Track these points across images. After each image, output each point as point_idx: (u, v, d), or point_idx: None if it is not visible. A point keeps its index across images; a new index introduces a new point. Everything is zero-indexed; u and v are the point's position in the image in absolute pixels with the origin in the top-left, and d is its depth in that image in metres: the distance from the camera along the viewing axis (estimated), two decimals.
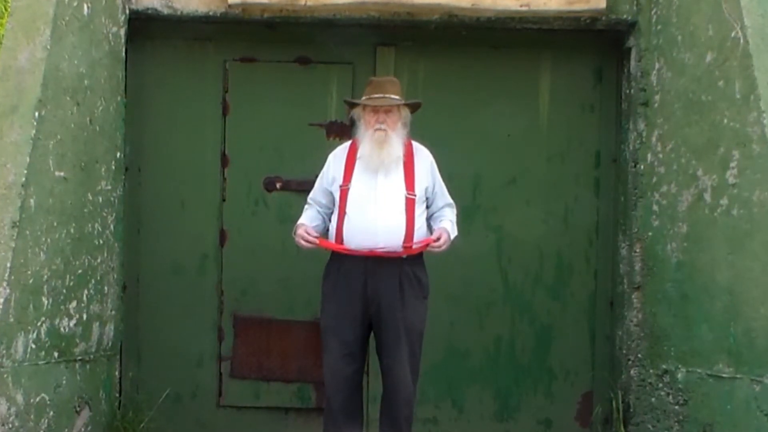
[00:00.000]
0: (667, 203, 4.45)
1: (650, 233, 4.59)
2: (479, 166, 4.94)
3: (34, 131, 3.78)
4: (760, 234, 3.79)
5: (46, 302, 3.86)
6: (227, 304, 4.91)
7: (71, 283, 4.08)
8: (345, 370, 4.05)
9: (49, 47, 3.90)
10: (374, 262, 3.99)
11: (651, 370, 4.54)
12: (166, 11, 4.72)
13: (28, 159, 3.73)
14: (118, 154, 4.64)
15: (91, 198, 4.28)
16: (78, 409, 4.17)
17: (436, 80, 4.93)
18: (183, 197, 4.92)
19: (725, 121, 4.02)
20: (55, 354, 3.95)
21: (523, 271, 4.96)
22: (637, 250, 4.69)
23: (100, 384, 4.44)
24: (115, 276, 4.62)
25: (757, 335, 3.78)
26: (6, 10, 4.43)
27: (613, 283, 4.93)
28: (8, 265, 3.58)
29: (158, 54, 4.93)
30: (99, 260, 4.38)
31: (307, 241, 4.05)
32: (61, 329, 4.01)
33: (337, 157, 4.21)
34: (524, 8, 4.64)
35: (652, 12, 4.63)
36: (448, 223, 4.14)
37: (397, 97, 4.09)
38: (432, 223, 4.18)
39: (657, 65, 4.58)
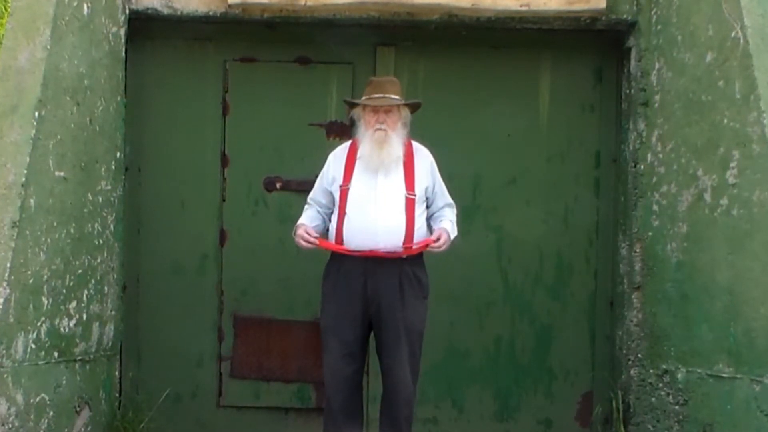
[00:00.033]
0: (667, 203, 4.45)
1: (650, 233, 4.59)
2: (479, 166, 4.94)
3: (34, 131, 3.78)
4: (760, 234, 3.79)
5: (46, 302, 3.86)
6: (227, 304, 4.91)
7: (71, 283, 4.08)
8: (345, 370, 4.05)
9: (49, 47, 3.90)
10: (374, 262, 3.99)
11: (651, 370, 4.54)
12: (166, 11, 4.72)
13: (28, 159, 3.73)
14: (118, 154, 4.64)
15: (91, 198, 4.28)
16: (78, 409, 4.17)
17: (436, 80, 4.93)
18: (183, 197, 4.92)
19: (725, 121, 4.02)
20: (55, 354, 3.95)
21: (523, 271, 4.96)
22: (637, 250, 4.69)
23: (100, 384, 4.44)
24: (115, 276, 4.62)
25: (757, 335, 3.78)
26: (6, 10, 4.44)
27: (613, 283, 4.93)
28: (8, 265, 3.58)
29: (158, 54, 4.93)
30: (99, 260, 4.38)
31: (307, 241, 4.05)
32: (61, 329, 4.01)
33: (337, 157, 4.21)
34: (524, 8, 4.64)
35: (652, 12, 4.63)
36: (448, 223, 4.14)
37: (397, 97, 4.09)
38: (432, 223, 4.18)
39: (657, 65, 4.58)
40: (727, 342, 3.95)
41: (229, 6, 4.67)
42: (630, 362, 4.72)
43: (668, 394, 4.38)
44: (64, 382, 4.02)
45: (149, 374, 4.88)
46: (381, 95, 4.07)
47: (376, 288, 4.00)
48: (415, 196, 4.06)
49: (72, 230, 4.08)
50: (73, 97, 4.11)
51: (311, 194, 4.26)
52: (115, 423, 4.58)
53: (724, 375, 3.96)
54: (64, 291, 4.02)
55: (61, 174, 3.99)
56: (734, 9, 3.98)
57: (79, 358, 4.18)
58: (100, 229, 4.38)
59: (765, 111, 3.78)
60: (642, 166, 4.68)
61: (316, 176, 4.26)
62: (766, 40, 3.90)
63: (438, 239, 4.05)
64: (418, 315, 4.08)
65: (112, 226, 4.54)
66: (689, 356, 4.23)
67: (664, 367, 4.43)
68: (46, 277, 3.86)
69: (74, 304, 4.11)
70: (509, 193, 4.95)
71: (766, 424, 3.71)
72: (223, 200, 4.92)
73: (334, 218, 4.11)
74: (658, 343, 4.49)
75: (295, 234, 4.12)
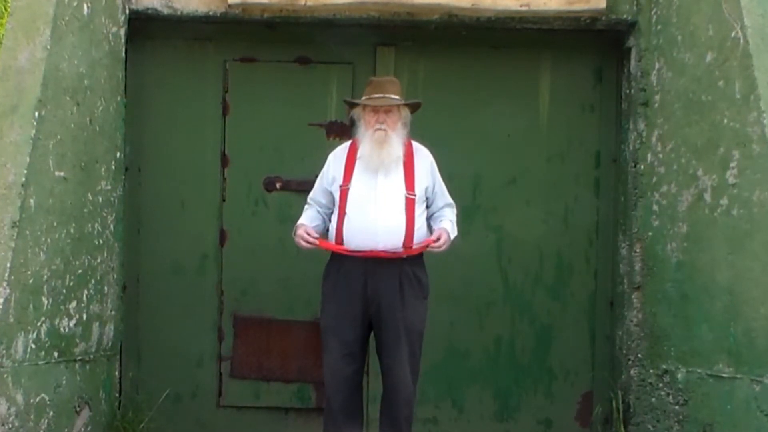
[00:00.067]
0: (667, 203, 4.45)
1: (650, 233, 4.59)
2: (479, 166, 4.94)
3: (34, 131, 3.78)
4: (760, 234, 3.79)
5: (46, 302, 3.86)
6: (227, 304, 4.91)
7: (71, 283, 4.08)
8: (345, 370, 4.05)
9: (49, 47, 3.90)
10: (374, 262, 3.99)
11: (651, 370, 4.54)
12: (166, 11, 4.72)
13: (28, 159, 3.73)
14: (118, 154, 4.64)
15: (91, 198, 4.28)
16: (78, 409, 4.17)
17: (436, 80, 4.93)
18: (183, 197, 4.92)
19: (725, 121, 4.02)
20: (55, 354, 3.95)
21: (523, 271, 4.96)
22: (637, 250, 4.69)
23: (100, 384, 4.44)
24: (115, 276, 4.62)
25: (757, 335, 3.78)
26: (6, 10, 4.43)
27: (613, 283, 4.93)
28: (8, 265, 3.58)
29: (158, 54, 4.93)
30: (99, 260, 4.38)
31: (307, 241, 4.05)
32: (61, 329, 4.01)
33: (337, 157, 4.21)
34: (524, 8, 4.64)
35: (652, 12, 4.63)
36: (448, 223, 4.14)
37: (397, 97, 4.09)
38: (432, 223, 4.18)
39: (657, 65, 4.58)
40: (727, 342, 3.95)
41: (229, 6, 4.67)
42: (630, 362, 4.72)
43: (668, 394, 4.38)
44: (64, 382, 4.02)
45: (149, 374, 4.88)
46: (381, 95, 4.07)
47: (376, 288, 4.00)
48: (415, 196, 4.06)
49: (72, 230, 4.07)
50: (73, 97, 4.11)
51: (311, 194, 4.26)
52: (115, 423, 4.58)
53: (724, 375, 3.96)
54: (64, 291, 4.02)
55: (61, 174, 3.99)
56: (734, 9, 3.98)
57: (79, 358, 4.18)
58: (100, 229, 4.38)
59: (765, 111, 3.78)
60: (642, 166, 4.68)
61: (316, 176, 4.26)
62: (766, 40, 3.90)
63: (438, 239, 4.05)
64: (418, 315, 4.08)
65: (112, 226, 4.54)
66: (689, 356, 4.23)
67: (664, 367, 4.43)
68: (46, 277, 3.86)
69: (74, 304, 4.11)
70: (509, 193, 4.95)
71: (766, 424, 3.71)
72: (223, 200, 4.92)
73: (334, 218, 4.11)
74: (658, 343, 4.49)
75: (295, 234, 4.12)
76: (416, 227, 4.05)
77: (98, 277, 4.37)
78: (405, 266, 4.03)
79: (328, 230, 4.16)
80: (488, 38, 4.88)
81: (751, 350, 3.81)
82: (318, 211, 4.21)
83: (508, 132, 4.96)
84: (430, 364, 4.65)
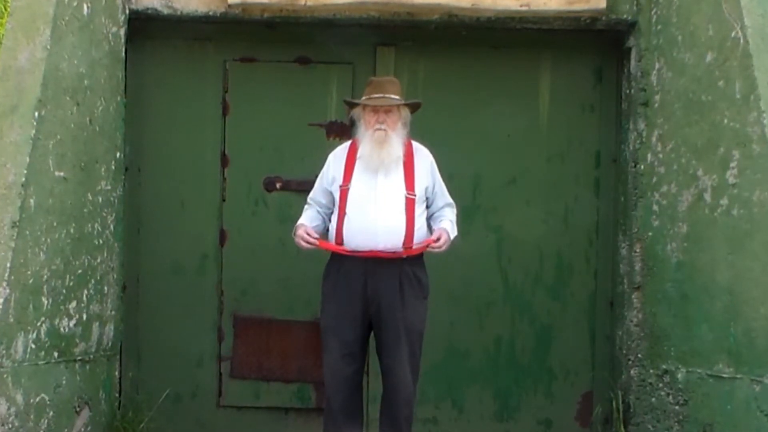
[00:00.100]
0: (667, 203, 4.45)
1: (650, 233, 4.59)
2: (479, 166, 4.93)
3: (34, 131, 3.78)
4: (760, 234, 3.79)
5: (46, 302, 3.86)
6: (227, 304, 4.91)
7: (71, 283, 4.08)
8: (345, 370, 4.05)
9: (49, 47, 3.90)
10: (374, 262, 3.99)
11: (651, 370, 4.54)
12: (166, 11, 4.72)
13: (28, 159, 3.73)
14: (118, 154, 4.64)
15: (91, 198, 4.28)
16: (78, 409, 4.17)
17: (436, 80, 4.93)
18: (183, 197, 4.92)
19: (725, 121, 4.02)
20: (55, 354, 3.95)
21: (523, 271, 4.95)
22: (637, 250, 4.69)
23: (100, 384, 4.44)
24: (115, 276, 4.62)
25: (757, 335, 3.78)
26: (6, 10, 4.43)
27: (613, 283, 4.93)
28: (8, 265, 3.57)
29: (158, 54, 4.93)
30: (99, 260, 4.38)
31: (307, 242, 4.05)
32: (61, 329, 4.00)
33: (337, 157, 4.21)
34: (524, 8, 4.64)
35: (652, 12, 4.63)
36: (447, 223, 4.14)
37: (397, 97, 4.09)
38: (432, 223, 4.18)
39: (657, 65, 4.58)
40: (727, 342, 3.95)
41: (229, 6, 4.67)
42: (630, 362, 4.72)
43: (668, 394, 4.38)
44: (64, 382, 4.02)
45: (149, 374, 4.88)
46: (381, 95, 4.07)
47: (376, 288, 4.00)
48: (415, 196, 4.06)
49: (72, 230, 4.07)
50: (73, 97, 4.11)
51: (311, 194, 4.26)
52: (115, 423, 4.58)
53: (724, 375, 3.96)
54: (64, 291, 4.02)
55: (61, 174, 3.99)
56: (734, 9, 3.98)
57: (79, 358, 4.18)
58: (100, 229, 4.38)
59: (765, 111, 3.78)
60: (642, 166, 4.68)
61: (316, 176, 4.26)
62: (766, 40, 3.90)
63: (438, 239, 4.05)
64: (418, 315, 4.08)
65: (112, 226, 4.54)
66: (689, 356, 4.22)
67: (664, 367, 4.43)
68: (46, 277, 3.86)
69: (74, 304, 4.11)
70: (509, 193, 4.95)
71: (766, 424, 3.71)
72: (223, 200, 4.92)
73: (334, 218, 4.11)
74: (658, 343, 4.49)
75: (295, 234, 4.12)
76: (416, 227, 4.05)
77: (98, 277, 4.37)
78: (405, 266, 4.03)
79: (328, 230, 4.16)
80: (488, 38, 4.88)
81: (751, 350, 3.81)
82: (318, 211, 4.21)
83: (508, 132, 4.96)
84: (430, 364, 4.65)
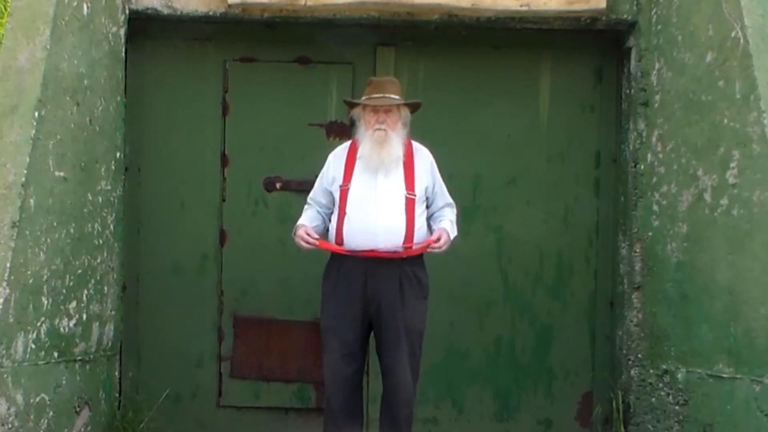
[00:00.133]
0: (667, 203, 4.45)
1: (650, 233, 4.59)
2: (479, 166, 4.93)
3: (34, 131, 3.78)
4: (760, 234, 3.79)
5: (46, 302, 3.86)
6: (227, 304, 4.91)
7: (71, 283, 4.08)
8: (345, 370, 4.05)
9: (48, 47, 3.90)
10: (374, 262, 3.99)
11: (651, 370, 4.54)
12: (166, 11, 4.72)
13: (28, 159, 3.73)
14: (118, 154, 4.64)
15: (91, 198, 4.28)
16: (78, 409, 4.17)
17: (436, 80, 4.93)
18: (183, 197, 4.92)
19: (725, 121, 4.02)
20: (55, 354, 3.95)
21: (523, 271, 4.95)
22: (637, 250, 4.69)
23: (100, 384, 4.44)
24: (115, 276, 4.62)
25: (757, 335, 3.78)
26: (6, 10, 4.43)
27: (613, 283, 4.93)
28: (8, 265, 3.57)
29: (158, 54, 4.93)
30: (99, 260, 4.38)
31: (307, 242, 4.05)
32: (61, 329, 4.00)
33: (337, 157, 4.21)
34: (524, 8, 4.64)
35: (652, 12, 4.63)
36: (447, 223, 4.14)
37: (397, 97, 4.09)
38: (432, 223, 4.18)
39: (657, 65, 4.58)
40: (727, 342, 3.95)
41: (229, 6, 4.67)
42: (630, 362, 4.72)
43: (668, 394, 4.38)
44: (64, 382, 4.02)
45: (149, 374, 4.88)
46: (381, 95, 4.07)
47: (376, 288, 4.00)
48: (415, 196, 4.06)
49: (72, 230, 4.07)
50: (73, 97, 4.11)
51: (311, 194, 4.26)
52: (115, 423, 4.58)
53: (724, 375, 3.96)
54: (64, 291, 4.02)
55: (61, 174, 3.99)
56: (734, 9, 3.98)
57: (79, 358, 4.18)
58: (100, 229, 4.38)
59: (765, 111, 3.78)
60: (642, 166, 4.68)
61: (316, 176, 4.26)
62: (766, 40, 3.90)
63: (438, 239, 4.05)
64: (418, 315, 4.07)
65: (112, 226, 4.54)
66: (689, 356, 4.22)
67: (664, 367, 4.43)
68: (46, 277, 3.86)
69: (74, 304, 4.11)
70: (509, 193, 4.95)
71: (766, 424, 3.71)
72: (223, 200, 4.92)
73: (334, 218, 4.11)
74: (658, 343, 4.49)
75: (295, 234, 4.12)
76: (416, 227, 4.05)
77: (98, 277, 4.37)
78: (405, 266, 4.03)
79: (328, 230, 4.16)
80: (488, 38, 4.88)
81: (751, 350, 3.81)
82: (318, 211, 4.21)
83: (508, 132, 4.96)
84: (430, 364, 4.64)
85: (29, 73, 3.86)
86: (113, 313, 4.58)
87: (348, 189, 4.08)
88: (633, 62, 4.77)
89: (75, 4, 4.13)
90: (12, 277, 3.59)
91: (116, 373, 4.72)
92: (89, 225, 4.26)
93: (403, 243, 4.00)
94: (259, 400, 4.91)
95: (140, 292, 4.91)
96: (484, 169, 4.94)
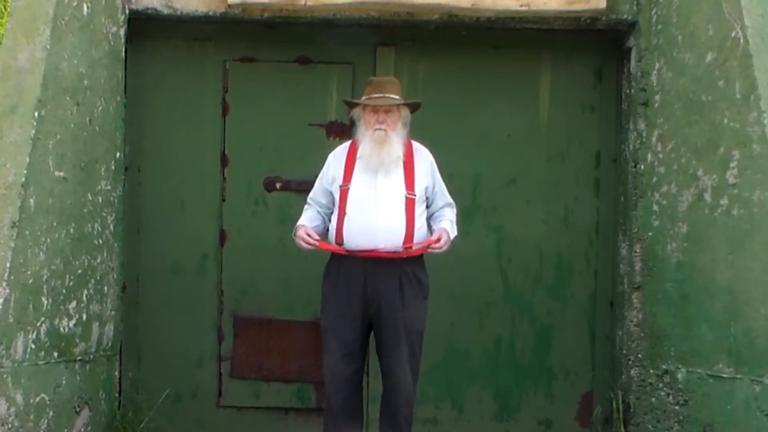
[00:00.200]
0: (667, 203, 4.45)
1: (650, 233, 4.59)
2: (479, 166, 4.93)
3: (33, 131, 3.78)
4: (760, 234, 3.79)
5: (45, 302, 3.86)
6: (227, 304, 4.91)
7: (71, 283, 4.08)
8: (345, 370, 4.05)
9: (48, 47, 3.90)
10: (374, 262, 3.99)
11: (651, 370, 4.54)
12: (165, 11, 4.72)
13: (27, 159, 3.73)
14: (118, 154, 4.64)
15: (90, 198, 4.28)
16: (78, 409, 4.17)
17: (436, 80, 4.93)
18: (183, 197, 4.92)
19: (725, 121, 4.02)
20: (55, 354, 3.95)
21: (523, 271, 4.95)
22: (637, 250, 4.69)
23: (99, 384, 4.44)
24: (115, 276, 4.62)
25: (757, 335, 3.78)
26: (6, 10, 4.43)
27: (613, 283, 4.93)
28: (8, 265, 3.57)
29: (158, 54, 4.93)
30: (99, 260, 4.37)
31: (308, 243, 4.05)
32: (61, 329, 4.00)
33: (337, 157, 4.21)
34: (524, 8, 4.64)
35: (652, 12, 4.63)
36: (447, 223, 4.14)
37: (397, 97, 4.09)
38: (432, 223, 4.18)
39: (657, 65, 4.58)
40: (727, 342, 3.95)
41: (229, 6, 4.67)
42: (630, 362, 4.72)
43: (668, 395, 4.38)
44: (63, 382, 4.02)
45: (149, 374, 4.88)
46: (381, 95, 4.07)
47: (376, 288, 4.00)
48: (415, 196, 4.06)
49: (72, 230, 4.07)
50: (73, 97, 4.11)
51: (311, 194, 4.26)
52: (115, 423, 4.58)
53: (724, 375, 3.96)
54: (64, 291, 4.02)
55: (61, 174, 3.99)
56: (734, 9, 3.98)
57: (79, 358, 4.18)
58: (100, 229, 4.38)
59: (765, 111, 3.78)
60: (642, 166, 4.68)
61: (316, 176, 4.26)
62: (766, 40, 3.90)
63: (438, 240, 4.05)
64: (418, 315, 4.07)
65: (112, 226, 4.54)
66: (689, 356, 4.22)
67: (664, 367, 4.43)
68: (45, 277, 3.85)
69: (74, 304, 4.11)
70: (509, 193, 4.95)
71: (766, 424, 3.71)
72: (223, 200, 4.92)
73: (334, 218, 4.11)
74: (658, 343, 4.49)
75: (295, 235, 4.12)
76: (416, 227, 4.04)
77: (98, 277, 4.37)
78: (405, 266, 4.03)
79: (328, 230, 4.16)
80: (488, 38, 4.88)
81: (751, 350, 3.81)
82: (318, 212, 4.21)
83: (508, 132, 4.96)
84: (430, 364, 4.64)
85: (29, 73, 3.86)
86: (113, 313, 4.58)
87: (348, 189, 4.08)
88: (633, 62, 4.77)
89: (75, 4, 4.13)
90: (12, 277, 3.59)
91: (116, 373, 4.72)
92: (89, 225, 4.26)
93: (403, 243, 4.00)
94: (259, 400, 4.91)
95: (140, 292, 4.91)
96: (484, 169, 4.94)
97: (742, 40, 3.92)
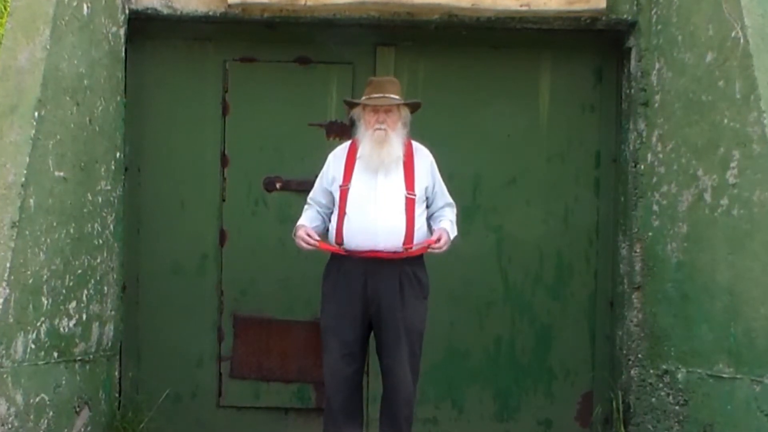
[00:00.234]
0: (667, 203, 4.45)
1: (650, 233, 4.59)
2: (479, 166, 4.93)
3: (33, 131, 3.78)
4: (760, 234, 3.79)
5: (45, 302, 3.86)
6: (227, 304, 4.91)
7: (71, 283, 4.08)
8: (345, 370, 4.05)
9: (48, 47, 3.90)
10: (374, 262, 3.99)
11: (651, 370, 4.54)
12: (165, 11, 4.72)
13: (27, 159, 3.73)
14: (118, 154, 4.64)
15: (90, 198, 4.28)
16: (78, 409, 4.17)
17: (436, 80, 4.93)
18: (183, 197, 4.92)
19: (725, 121, 4.02)
20: (55, 354, 3.95)
21: (523, 271, 4.95)
22: (637, 250, 4.69)
23: (99, 384, 4.44)
24: (115, 276, 4.62)
25: (757, 335, 3.78)
26: (6, 10, 4.43)
27: (613, 283, 4.93)
28: (8, 265, 3.57)
29: (158, 54, 4.93)
30: (99, 260, 4.37)
31: (308, 243, 4.05)
32: (61, 329, 4.00)
33: (337, 157, 4.21)
34: (524, 8, 4.64)
35: (652, 12, 4.63)
36: (447, 223, 4.14)
37: (397, 96, 4.09)
38: (432, 223, 4.18)
39: (657, 65, 4.58)
40: (727, 342, 3.95)
41: (229, 6, 4.67)
42: (630, 362, 4.72)
43: (668, 395, 4.38)
44: (63, 382, 4.02)
45: (149, 374, 4.88)
46: (381, 95, 4.07)
47: (376, 288, 4.00)
48: (415, 195, 4.06)
49: (72, 230, 4.07)
50: (73, 97, 4.11)
51: (311, 194, 4.26)
52: (115, 423, 4.58)
53: (725, 375, 3.96)
54: (64, 291, 4.02)
55: (61, 174, 3.99)
56: (734, 9, 3.98)
57: (79, 358, 4.18)
58: (99, 229, 4.38)
59: (765, 111, 3.78)
60: (642, 166, 4.68)
61: (316, 176, 4.26)
62: (766, 40, 3.90)
63: (438, 240, 4.05)
64: (418, 315, 4.07)
65: (111, 226, 4.54)
66: (689, 356, 4.22)
67: (664, 367, 4.43)
68: (45, 277, 3.85)
69: (74, 304, 4.11)
70: (509, 193, 4.95)
71: (766, 424, 3.71)
72: (223, 200, 4.92)
73: (334, 218, 4.11)
74: (658, 343, 4.49)
75: (295, 235, 4.12)
76: (416, 227, 4.04)
77: (98, 277, 4.37)
78: (405, 266, 4.03)
79: (328, 230, 4.16)
80: (488, 38, 4.88)
81: (751, 350, 3.81)
82: (318, 212, 4.21)
83: (508, 132, 4.96)
84: (430, 364, 4.64)
85: (29, 73, 3.86)
86: (113, 313, 4.58)
87: (348, 189, 4.08)
88: (633, 62, 4.77)
89: (75, 4, 4.13)
90: (12, 277, 3.59)
91: (116, 373, 4.72)
92: (89, 225, 4.26)
93: (403, 243, 4.00)
94: (259, 400, 4.91)
95: (140, 292, 4.91)
96: (484, 169, 4.94)
97: (742, 40, 3.92)
